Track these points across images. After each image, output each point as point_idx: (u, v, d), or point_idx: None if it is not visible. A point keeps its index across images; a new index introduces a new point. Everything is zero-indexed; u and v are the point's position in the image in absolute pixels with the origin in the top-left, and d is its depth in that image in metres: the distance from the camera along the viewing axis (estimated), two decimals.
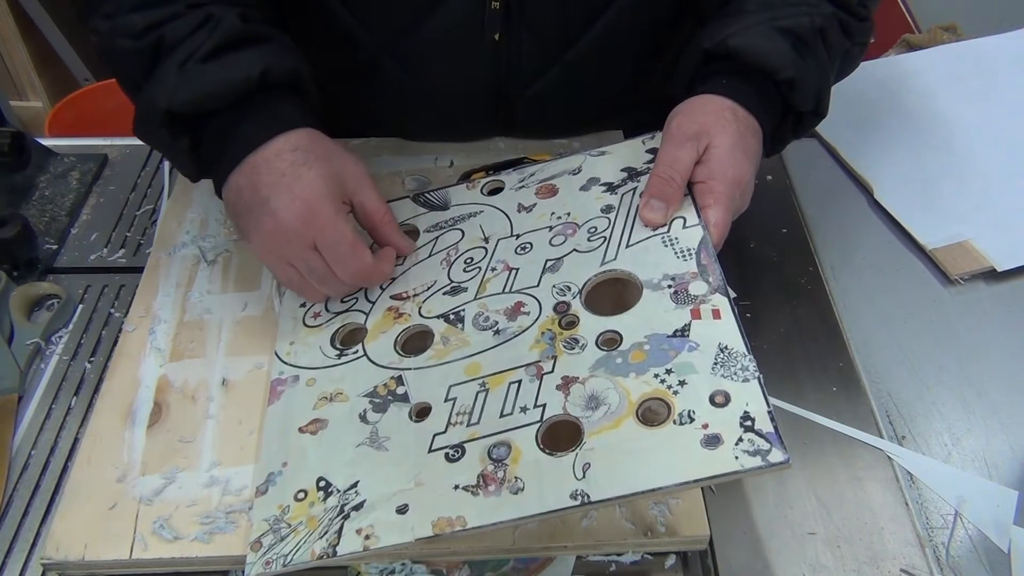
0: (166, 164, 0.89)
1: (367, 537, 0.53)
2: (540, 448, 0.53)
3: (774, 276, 0.78)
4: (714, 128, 0.64)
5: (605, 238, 0.64)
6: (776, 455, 0.49)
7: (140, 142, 0.90)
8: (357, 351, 0.64)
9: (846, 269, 0.80)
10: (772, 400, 0.50)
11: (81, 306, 0.76)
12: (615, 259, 0.63)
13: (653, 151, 0.68)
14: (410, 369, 0.61)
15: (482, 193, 0.73)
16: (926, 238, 0.81)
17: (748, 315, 0.74)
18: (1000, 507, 0.63)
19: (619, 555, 0.60)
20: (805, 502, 0.62)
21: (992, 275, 0.79)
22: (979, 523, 0.62)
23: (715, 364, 0.54)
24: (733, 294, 0.74)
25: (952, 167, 0.88)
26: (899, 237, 0.83)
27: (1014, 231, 0.82)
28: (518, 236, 0.68)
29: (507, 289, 0.64)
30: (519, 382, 0.57)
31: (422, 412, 0.58)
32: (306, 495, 0.56)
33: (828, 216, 0.84)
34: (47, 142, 0.91)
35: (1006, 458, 0.66)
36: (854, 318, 0.75)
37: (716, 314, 0.56)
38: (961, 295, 0.78)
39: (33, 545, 0.61)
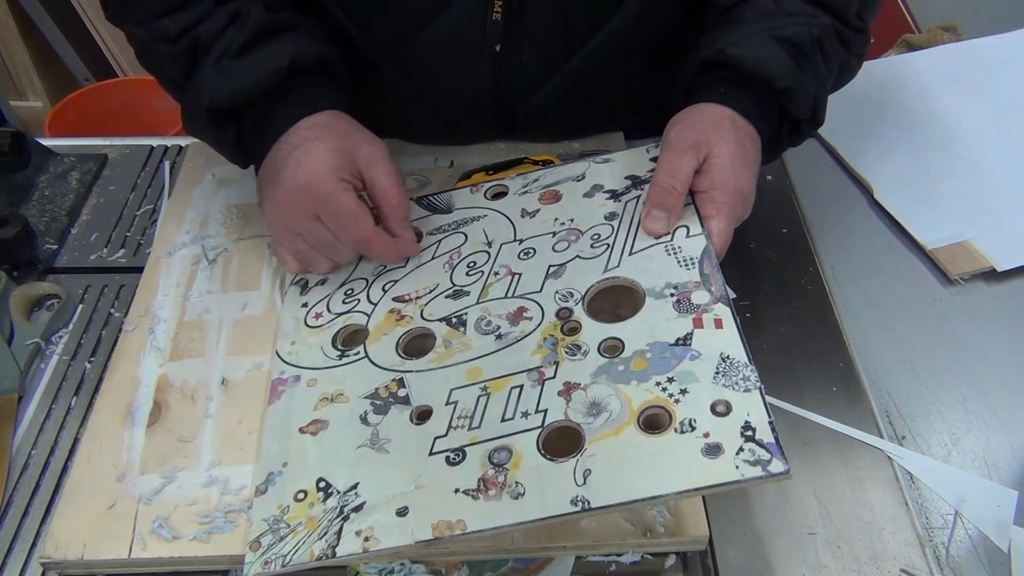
0: (166, 164, 0.89)
1: (367, 539, 0.53)
2: (541, 453, 0.53)
3: (774, 276, 0.78)
4: (714, 137, 0.64)
5: (608, 245, 0.65)
6: (776, 465, 0.49)
7: (140, 142, 0.92)
8: (359, 352, 0.64)
9: (846, 269, 0.80)
10: (772, 400, 0.50)
11: (81, 306, 0.76)
12: (618, 266, 0.63)
13: (657, 159, 0.69)
14: (411, 372, 0.61)
15: (486, 197, 0.74)
16: (926, 238, 0.81)
17: (748, 315, 0.74)
18: (1000, 507, 0.63)
19: (619, 555, 0.60)
20: (805, 502, 0.62)
21: (992, 275, 0.79)
22: (979, 523, 0.62)
23: (717, 373, 0.54)
24: (733, 294, 0.74)
25: (952, 167, 0.88)
26: (899, 237, 0.83)
27: (1014, 231, 0.82)
28: (521, 241, 0.68)
29: (510, 294, 0.64)
30: (521, 387, 0.57)
31: (423, 415, 0.58)
32: (306, 496, 0.56)
33: (828, 216, 0.84)
34: (47, 142, 0.91)
35: (1006, 458, 0.66)
36: (854, 318, 0.75)
37: (718, 324, 0.57)
38: (961, 295, 0.78)
39: (33, 545, 0.61)
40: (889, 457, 0.65)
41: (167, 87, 0.71)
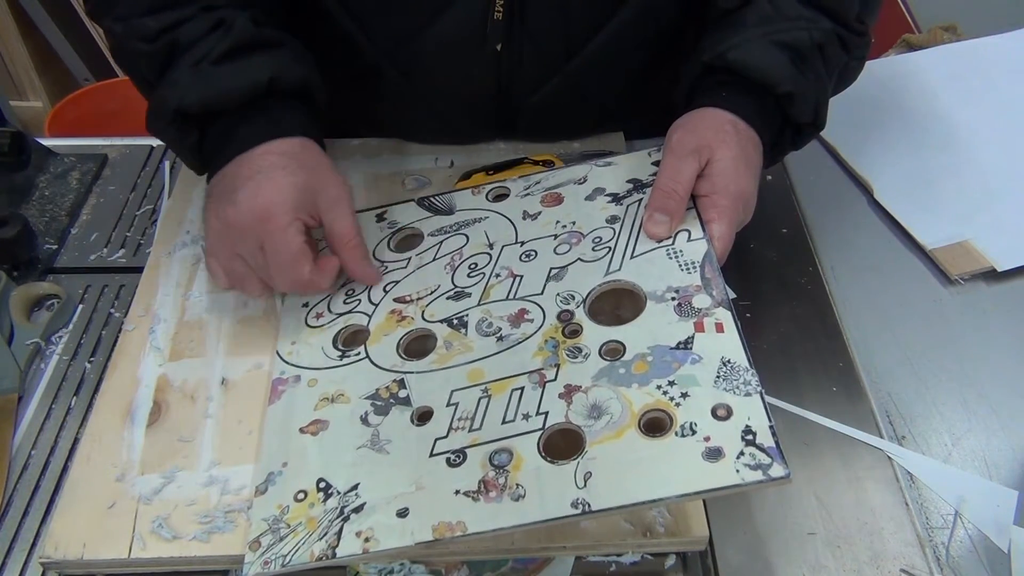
0: (166, 164, 0.89)
1: (367, 540, 0.53)
2: (542, 456, 0.53)
3: (774, 276, 0.78)
4: (715, 141, 0.64)
5: (610, 248, 0.65)
6: (777, 470, 0.49)
7: (140, 142, 0.92)
8: (359, 353, 0.64)
9: (846, 269, 0.79)
10: (772, 400, 0.50)
11: (81, 306, 0.76)
12: (619, 270, 0.63)
13: (659, 163, 0.69)
14: (412, 373, 0.61)
15: (487, 199, 0.74)
16: (926, 238, 0.81)
17: (748, 315, 0.74)
18: (1000, 507, 0.63)
19: (619, 555, 0.60)
20: (805, 502, 0.62)
21: (992, 275, 0.79)
22: (979, 523, 0.62)
23: (718, 377, 0.54)
24: (733, 294, 0.74)
25: (952, 167, 0.88)
26: (899, 237, 0.83)
27: (1014, 231, 0.82)
28: (523, 243, 0.68)
29: (511, 296, 0.64)
30: (522, 389, 0.57)
31: (424, 416, 0.58)
32: (306, 496, 0.56)
33: (828, 216, 0.84)
34: (47, 142, 0.91)
35: (1006, 458, 0.66)
36: (854, 318, 0.75)
37: (719, 328, 0.57)
38: (961, 295, 0.78)
39: (33, 545, 0.61)
40: (889, 457, 0.65)
41: (138, 85, 0.70)
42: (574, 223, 0.68)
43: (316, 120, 0.70)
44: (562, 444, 0.54)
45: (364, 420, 0.59)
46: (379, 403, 0.60)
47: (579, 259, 0.65)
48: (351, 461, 0.57)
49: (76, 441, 0.66)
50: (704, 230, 0.63)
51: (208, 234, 0.67)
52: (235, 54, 0.65)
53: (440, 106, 0.82)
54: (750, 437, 0.51)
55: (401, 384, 0.61)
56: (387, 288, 0.68)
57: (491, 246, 0.69)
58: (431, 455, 0.56)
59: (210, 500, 0.59)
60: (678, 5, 0.77)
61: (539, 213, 0.70)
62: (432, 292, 0.66)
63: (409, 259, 0.70)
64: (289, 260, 0.63)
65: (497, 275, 0.66)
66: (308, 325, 0.67)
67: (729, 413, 0.52)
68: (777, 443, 0.50)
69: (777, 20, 0.68)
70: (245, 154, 0.65)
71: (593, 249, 0.65)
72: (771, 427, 0.51)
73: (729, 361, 0.55)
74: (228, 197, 0.64)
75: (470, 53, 0.76)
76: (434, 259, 0.69)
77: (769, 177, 0.87)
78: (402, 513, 0.53)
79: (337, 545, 0.53)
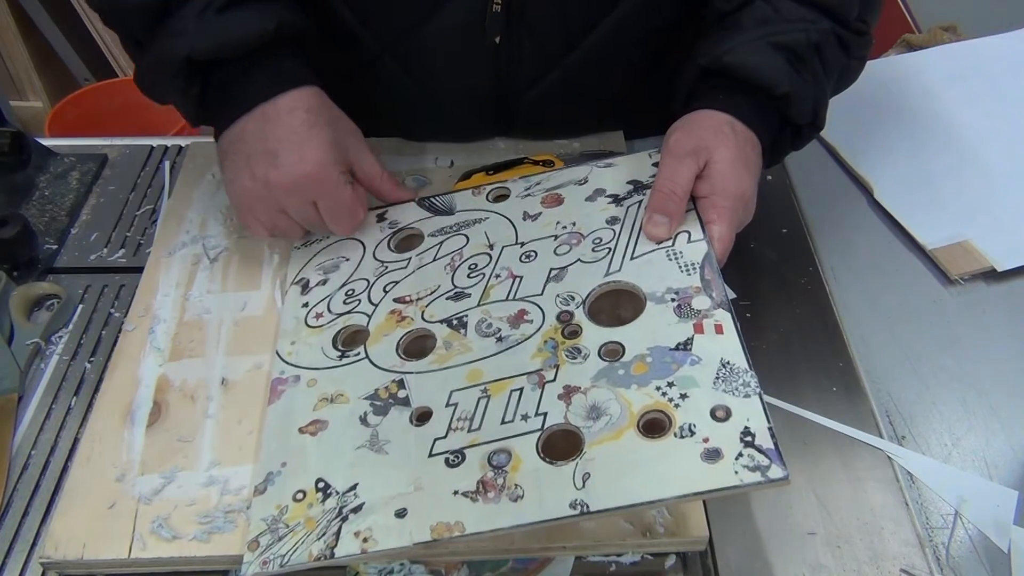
0: (166, 164, 0.89)
1: (365, 540, 0.53)
2: (540, 456, 0.53)
3: (774, 276, 0.78)
4: (713, 143, 0.64)
5: (610, 249, 0.65)
6: (775, 471, 0.49)
7: (140, 142, 0.92)
8: (359, 353, 0.64)
9: (846, 269, 0.80)
10: (772, 400, 0.50)
11: (81, 306, 0.76)
12: (619, 271, 0.63)
13: (658, 165, 0.69)
14: (412, 373, 0.61)
15: (487, 200, 0.74)
16: (926, 238, 0.81)
17: (748, 315, 0.74)
18: (1000, 507, 0.63)
19: (619, 555, 0.60)
20: (805, 502, 0.62)
21: (992, 275, 0.79)
22: (979, 523, 0.62)
23: (717, 379, 0.54)
24: (733, 294, 0.74)
25: (952, 167, 0.88)
26: (899, 237, 0.83)
27: (1014, 231, 0.82)
28: (523, 244, 0.68)
29: (511, 296, 0.64)
30: (521, 390, 0.57)
31: (423, 416, 0.58)
32: (305, 496, 0.56)
33: (828, 216, 0.84)
34: (47, 142, 0.91)
35: (1006, 458, 0.66)
36: (854, 318, 0.75)
37: (719, 329, 0.57)
38: (961, 295, 0.78)
39: (33, 545, 0.60)
40: (889, 457, 0.65)
41: (126, 42, 0.70)
42: (574, 224, 0.68)
43: (314, 68, 0.71)
44: (561, 445, 0.54)
45: (363, 420, 0.59)
46: (378, 403, 0.60)
47: (579, 260, 0.65)
48: (350, 461, 0.57)
49: (76, 441, 0.66)
50: (704, 231, 0.63)
51: (239, 193, 0.68)
52: (238, 2, 0.65)
53: (439, 100, 0.82)
54: (749, 438, 0.51)
55: (400, 384, 0.61)
56: (387, 288, 0.68)
57: (491, 247, 0.69)
58: (430, 455, 0.56)
59: (210, 500, 0.59)
60: (676, 5, 0.77)
61: (539, 214, 0.70)
62: (432, 292, 0.66)
63: (409, 259, 0.70)
64: (348, 210, 0.70)
65: (497, 276, 0.66)
66: (308, 325, 0.67)
67: (728, 414, 0.52)
68: (776, 445, 0.50)
69: (775, 22, 0.68)
70: (265, 107, 0.66)
71: (593, 250, 0.65)
72: (770, 428, 0.51)
73: (728, 363, 0.55)
74: (267, 160, 0.66)
75: (469, 46, 0.76)
76: (434, 259, 0.69)
77: (769, 177, 0.87)
78: (400, 513, 0.53)
79: (335, 545, 0.53)
